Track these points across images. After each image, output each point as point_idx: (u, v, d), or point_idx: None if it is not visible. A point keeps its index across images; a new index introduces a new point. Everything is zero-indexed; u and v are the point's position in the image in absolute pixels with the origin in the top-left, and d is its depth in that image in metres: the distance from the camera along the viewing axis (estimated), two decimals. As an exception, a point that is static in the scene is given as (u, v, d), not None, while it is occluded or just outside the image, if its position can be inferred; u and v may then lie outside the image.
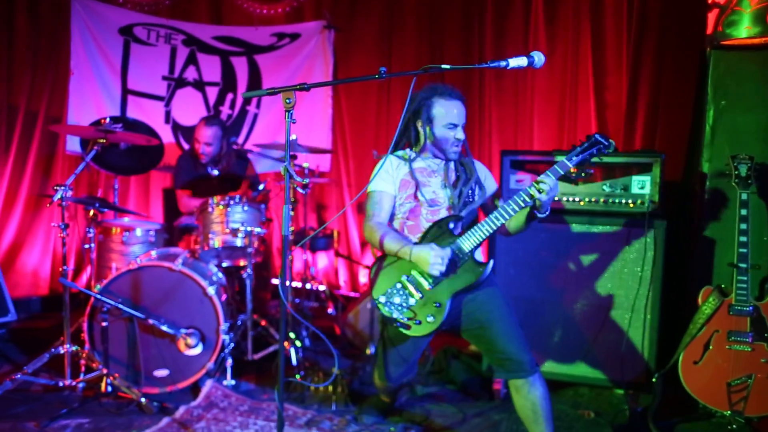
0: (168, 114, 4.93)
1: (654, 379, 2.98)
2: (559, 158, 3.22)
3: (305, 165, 4.08)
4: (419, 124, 2.54)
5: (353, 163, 5.28)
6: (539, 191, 2.29)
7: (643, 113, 3.98)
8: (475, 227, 2.39)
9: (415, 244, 2.43)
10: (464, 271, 2.41)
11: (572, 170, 2.42)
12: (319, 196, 5.39)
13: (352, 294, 5.25)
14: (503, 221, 2.36)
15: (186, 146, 4.90)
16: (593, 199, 3.18)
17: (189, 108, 4.95)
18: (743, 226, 2.89)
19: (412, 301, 2.42)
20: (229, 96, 5.04)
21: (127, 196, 5.04)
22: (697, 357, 2.90)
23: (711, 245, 3.26)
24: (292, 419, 2.93)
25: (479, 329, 2.46)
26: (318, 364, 3.68)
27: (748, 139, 3.21)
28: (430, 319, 2.40)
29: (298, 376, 3.33)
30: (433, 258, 2.31)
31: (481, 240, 2.38)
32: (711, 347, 2.87)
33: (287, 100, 2.08)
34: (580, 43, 4.22)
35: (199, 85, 5.00)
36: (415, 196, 2.52)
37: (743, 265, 2.86)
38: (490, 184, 2.67)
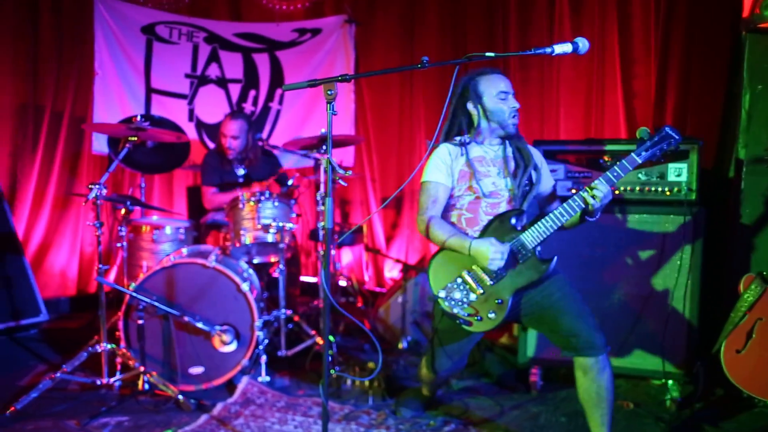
0: (191, 112, 4.94)
1: (695, 370, 2.95)
2: (591, 144, 3.19)
3: (332, 160, 4.06)
4: (470, 106, 2.48)
5: (377, 158, 5.26)
6: (593, 197, 2.27)
7: (672, 101, 3.93)
8: (539, 223, 2.33)
9: (474, 238, 2.37)
10: (527, 267, 2.35)
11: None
12: (342, 190, 5.38)
13: (378, 289, 5.23)
14: (569, 216, 2.32)
15: (210, 144, 4.90)
16: (629, 188, 3.13)
17: (212, 106, 4.95)
18: (784, 211, 2.85)
19: (473, 296, 2.38)
20: (252, 93, 5.04)
21: (151, 195, 5.05)
22: (740, 345, 2.84)
23: (749, 232, 3.20)
24: (330, 414, 2.91)
25: (541, 311, 2.40)
26: (352, 359, 3.67)
27: (785, 124, 3.15)
28: (492, 315, 2.36)
29: (333, 372, 3.31)
30: (493, 253, 2.27)
31: (544, 237, 2.33)
32: (754, 335, 2.82)
33: (329, 92, 2.07)
34: (606, 32, 4.16)
35: (222, 82, 5.00)
36: (474, 189, 2.44)
37: (786, 252, 2.82)
38: (545, 173, 2.61)
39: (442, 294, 2.41)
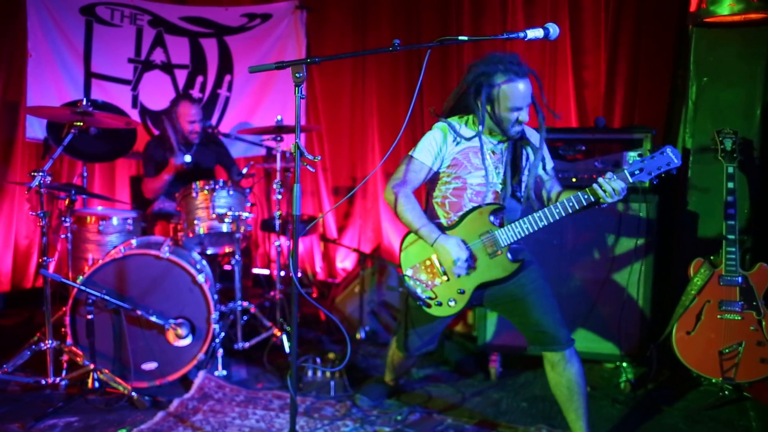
0: (135, 98, 4.71)
1: (648, 352, 3.05)
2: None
3: (287, 149, 3.98)
4: (479, 102, 2.33)
5: (328, 147, 5.18)
6: (605, 192, 2.20)
7: (621, 91, 4.04)
8: (517, 223, 2.30)
9: (441, 234, 2.34)
10: (495, 264, 2.34)
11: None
12: (292, 180, 5.26)
13: (330, 280, 5.17)
14: (548, 222, 2.28)
15: (155, 131, 4.70)
16: (585, 176, 3.19)
17: (157, 92, 4.73)
18: (730, 198, 2.97)
19: (437, 281, 2.38)
20: (199, 79, 4.86)
21: (92, 185, 4.81)
22: (690, 327, 2.96)
23: (695, 218, 3.33)
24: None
25: (513, 302, 2.41)
26: (311, 350, 3.61)
27: (729, 115, 3.29)
28: (452, 303, 2.37)
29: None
30: (456, 253, 2.28)
31: (520, 237, 2.31)
32: (703, 317, 2.94)
33: (297, 75, 2.01)
34: (558, 23, 4.10)
35: (168, 67, 4.79)
36: (462, 179, 2.40)
37: (732, 237, 2.94)
38: (546, 156, 2.50)
39: (408, 272, 2.42)
